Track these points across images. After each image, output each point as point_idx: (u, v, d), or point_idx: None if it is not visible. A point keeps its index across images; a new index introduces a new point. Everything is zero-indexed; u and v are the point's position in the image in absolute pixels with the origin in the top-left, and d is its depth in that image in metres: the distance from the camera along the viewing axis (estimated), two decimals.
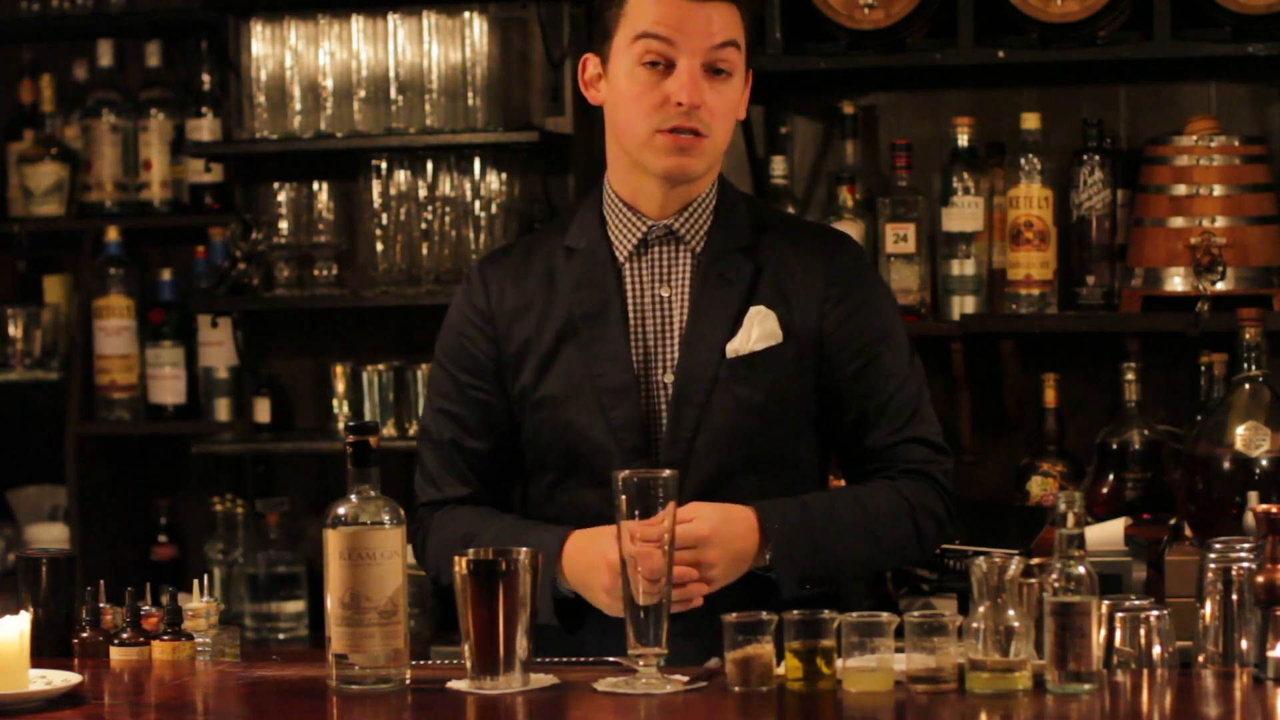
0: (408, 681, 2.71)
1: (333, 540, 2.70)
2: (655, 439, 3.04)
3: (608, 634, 2.90)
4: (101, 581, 3.03)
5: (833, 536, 3.00)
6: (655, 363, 3.06)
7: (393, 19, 4.87)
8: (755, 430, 3.03)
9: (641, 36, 2.99)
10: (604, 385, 3.04)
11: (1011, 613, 2.59)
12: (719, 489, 2.99)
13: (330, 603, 2.70)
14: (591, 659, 2.88)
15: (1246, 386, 4.01)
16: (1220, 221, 4.41)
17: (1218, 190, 4.42)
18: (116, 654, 2.93)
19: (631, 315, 3.08)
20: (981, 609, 2.60)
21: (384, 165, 4.89)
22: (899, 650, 2.63)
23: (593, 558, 2.94)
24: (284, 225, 4.99)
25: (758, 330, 3.04)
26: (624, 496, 2.74)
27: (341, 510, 2.71)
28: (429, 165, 4.86)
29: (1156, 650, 2.75)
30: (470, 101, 4.83)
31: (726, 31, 3.00)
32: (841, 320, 3.07)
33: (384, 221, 4.88)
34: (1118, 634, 2.76)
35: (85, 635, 2.99)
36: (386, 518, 2.71)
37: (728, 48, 3.00)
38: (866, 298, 3.10)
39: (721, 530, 2.92)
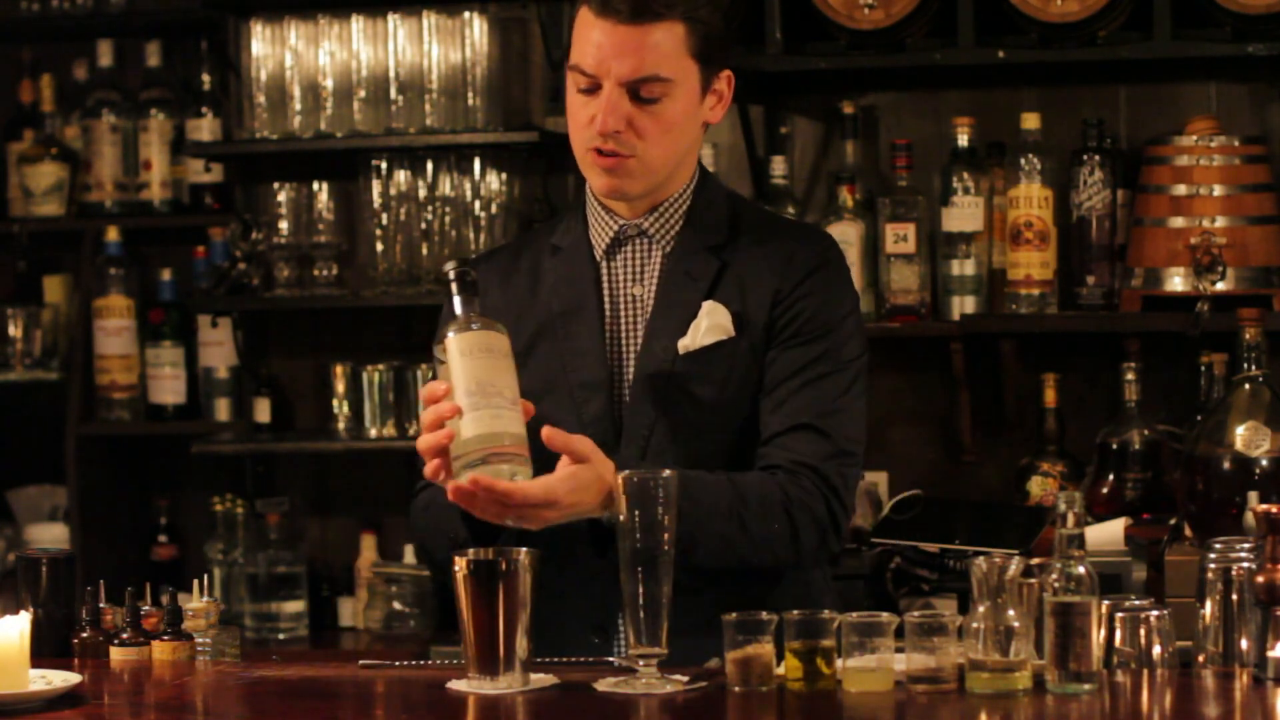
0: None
1: (457, 343, 2.80)
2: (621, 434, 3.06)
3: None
4: (101, 581, 3.03)
5: (694, 505, 2.89)
6: (625, 360, 3.08)
7: (393, 19, 4.87)
8: (709, 425, 3.02)
9: (572, 68, 3.02)
10: (576, 380, 3.06)
11: (1011, 613, 2.59)
12: None
13: (459, 396, 2.78)
14: (591, 659, 2.88)
15: (1246, 386, 4.01)
16: (1220, 221, 4.41)
17: (1218, 190, 4.42)
18: (116, 654, 2.93)
19: (607, 313, 3.10)
20: (981, 609, 2.60)
21: (384, 165, 4.89)
22: (899, 650, 2.63)
23: None
24: (284, 225, 4.99)
25: (706, 323, 3.03)
26: (624, 496, 2.74)
27: (455, 326, 2.83)
28: (429, 165, 4.87)
29: (1156, 650, 2.75)
30: (470, 101, 4.83)
31: (651, 65, 2.97)
32: (788, 307, 3.04)
33: (384, 221, 4.89)
34: (1118, 634, 2.76)
35: (85, 635, 2.99)
36: (488, 327, 2.84)
37: (650, 82, 2.98)
38: (819, 287, 3.05)
39: (565, 498, 2.85)
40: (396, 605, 4.93)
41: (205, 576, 3.10)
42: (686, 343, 3.03)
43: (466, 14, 4.84)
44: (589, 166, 3.05)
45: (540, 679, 2.73)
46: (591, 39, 2.98)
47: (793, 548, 2.98)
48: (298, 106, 4.90)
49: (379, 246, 4.89)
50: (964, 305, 4.64)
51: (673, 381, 3.03)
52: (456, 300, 2.86)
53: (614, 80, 2.97)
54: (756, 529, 2.95)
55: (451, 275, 2.87)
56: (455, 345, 2.81)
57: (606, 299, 3.10)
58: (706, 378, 3.03)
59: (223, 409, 5.15)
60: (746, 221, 3.14)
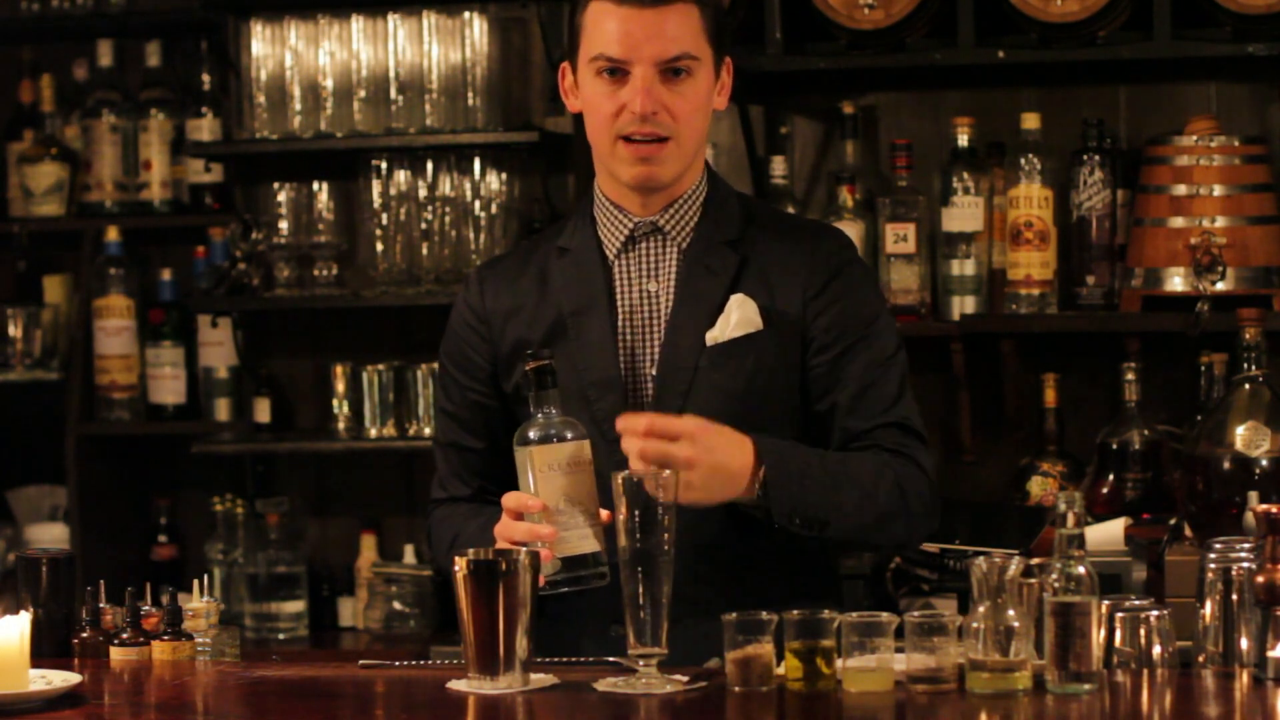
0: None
1: (542, 455, 2.86)
2: None
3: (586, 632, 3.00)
4: (101, 581, 3.03)
5: (826, 476, 2.97)
6: (642, 356, 3.09)
7: (393, 19, 4.87)
8: (736, 418, 3.03)
9: (596, 58, 3.03)
10: (589, 379, 3.08)
11: (1011, 613, 2.59)
12: None
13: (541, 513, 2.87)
14: (591, 659, 2.88)
15: (1246, 386, 4.01)
16: (1220, 221, 4.41)
17: (1218, 190, 4.42)
18: (116, 654, 2.94)
19: (620, 311, 3.11)
20: (981, 609, 2.60)
21: (384, 165, 4.89)
22: (899, 650, 2.63)
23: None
24: (284, 225, 4.99)
25: (736, 315, 3.05)
26: (623, 497, 2.74)
27: (536, 430, 2.89)
28: (429, 165, 4.87)
29: (1156, 650, 2.75)
30: (470, 101, 4.83)
31: (679, 43, 3.02)
32: (823, 309, 3.08)
33: (384, 221, 4.89)
34: (1118, 634, 2.76)
35: (85, 635, 2.99)
36: (570, 434, 2.89)
37: (683, 59, 3.03)
38: (849, 287, 3.11)
39: (706, 434, 2.88)
40: (396, 605, 4.93)
41: (205, 576, 3.11)
42: (715, 335, 3.06)
43: (466, 14, 4.84)
44: (618, 158, 3.06)
45: (540, 679, 2.73)
46: (611, 28, 3.01)
47: (906, 519, 3.05)
48: (298, 106, 4.90)
49: (379, 246, 4.89)
50: (964, 305, 4.64)
51: (700, 374, 3.05)
52: (536, 398, 2.91)
53: (647, 62, 3.01)
54: (880, 498, 3.01)
55: (531, 373, 2.90)
56: (540, 457, 2.88)
57: (620, 297, 3.12)
58: (734, 369, 3.06)
59: (223, 409, 5.15)
60: (759, 217, 3.17)
